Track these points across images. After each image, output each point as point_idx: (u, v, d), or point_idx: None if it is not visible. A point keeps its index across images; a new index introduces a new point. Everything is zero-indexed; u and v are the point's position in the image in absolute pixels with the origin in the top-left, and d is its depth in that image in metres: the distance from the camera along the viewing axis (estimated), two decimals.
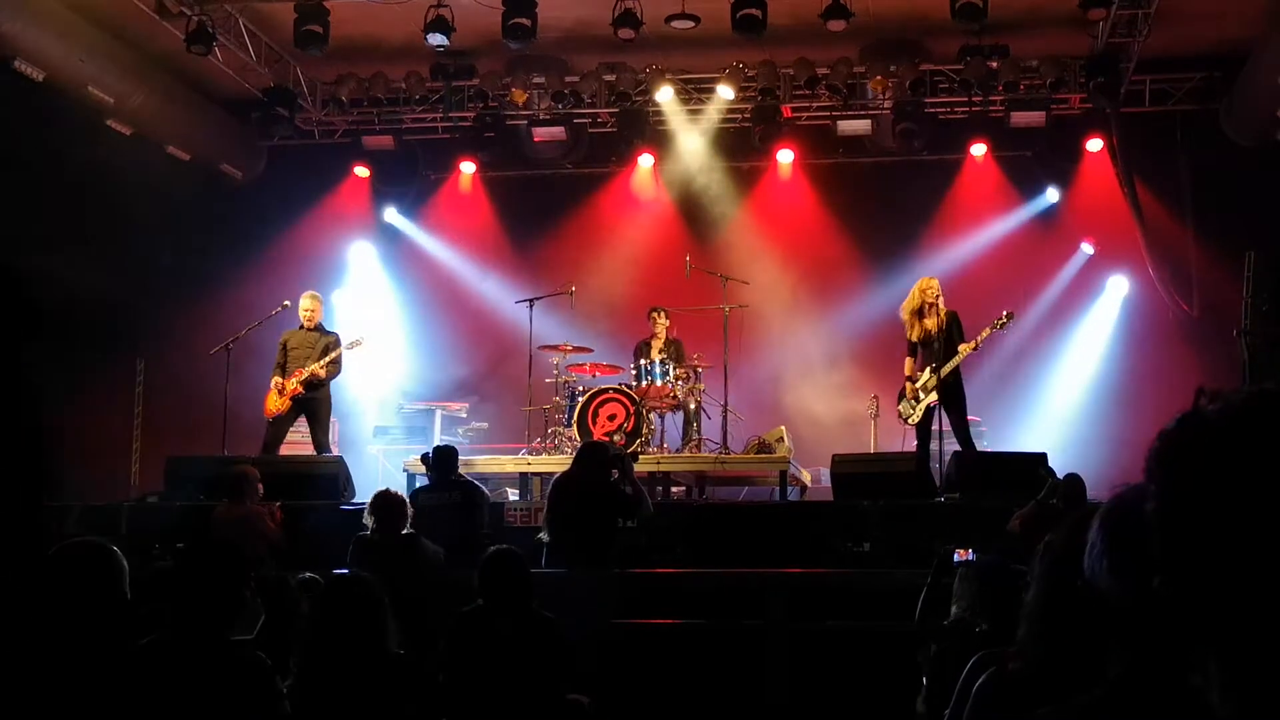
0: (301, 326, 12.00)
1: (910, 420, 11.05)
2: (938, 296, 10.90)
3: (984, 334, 10.81)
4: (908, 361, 11.12)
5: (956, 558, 5.27)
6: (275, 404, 11.71)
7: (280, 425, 11.82)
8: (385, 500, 8.07)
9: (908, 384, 11.05)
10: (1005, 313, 10.99)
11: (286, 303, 12.11)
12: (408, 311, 16.17)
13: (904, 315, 11.05)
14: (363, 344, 12.16)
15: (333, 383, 12.22)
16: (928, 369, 10.87)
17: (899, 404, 11.21)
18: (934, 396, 10.78)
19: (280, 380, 11.69)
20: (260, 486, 9.08)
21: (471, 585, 5.70)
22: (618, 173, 15.84)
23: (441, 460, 9.35)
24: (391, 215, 16.27)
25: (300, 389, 11.64)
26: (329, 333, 12.15)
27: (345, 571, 4.49)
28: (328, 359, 11.72)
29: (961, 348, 10.79)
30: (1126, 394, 13.73)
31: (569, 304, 13.40)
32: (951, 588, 5.23)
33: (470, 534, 8.66)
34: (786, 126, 14.70)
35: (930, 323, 10.83)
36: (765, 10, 12.14)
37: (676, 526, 9.65)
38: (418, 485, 10.15)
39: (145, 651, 3.87)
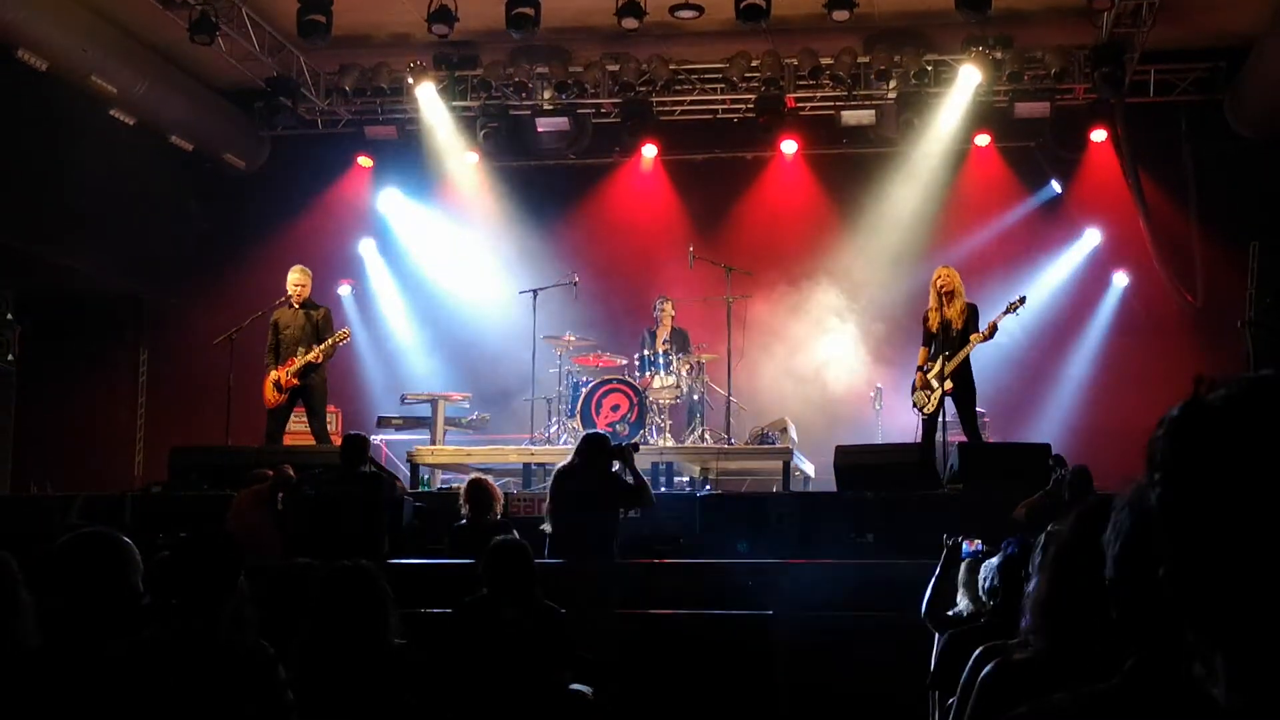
0: (290, 305, 11.88)
1: (925, 410, 11.02)
2: (952, 286, 10.88)
3: (998, 318, 10.81)
4: (921, 351, 11.13)
5: (966, 549, 5.26)
6: (273, 396, 11.70)
7: (279, 415, 11.80)
8: (478, 488, 8.56)
9: (919, 373, 11.06)
10: (1019, 297, 11.00)
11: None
12: (410, 301, 16.17)
13: (930, 304, 11.08)
14: (349, 336, 12.14)
15: (333, 373, 12.19)
16: (940, 358, 10.85)
17: (913, 394, 11.21)
18: (949, 384, 10.77)
19: (277, 372, 11.65)
20: (270, 472, 9.16)
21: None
22: (621, 163, 15.82)
23: (348, 449, 8.99)
24: (394, 205, 16.25)
25: (295, 380, 11.61)
26: (318, 307, 12.08)
27: (347, 562, 4.48)
28: (323, 346, 11.67)
29: (972, 337, 10.79)
30: (1130, 385, 13.70)
31: (572, 294, 13.40)
32: (959, 579, 5.22)
33: (371, 530, 8.55)
34: (790, 117, 14.68)
35: (949, 312, 10.83)
36: None
37: (679, 517, 9.65)
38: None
39: (147, 642, 3.86)
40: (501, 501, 8.80)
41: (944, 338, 10.84)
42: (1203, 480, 1.10)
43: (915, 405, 11.22)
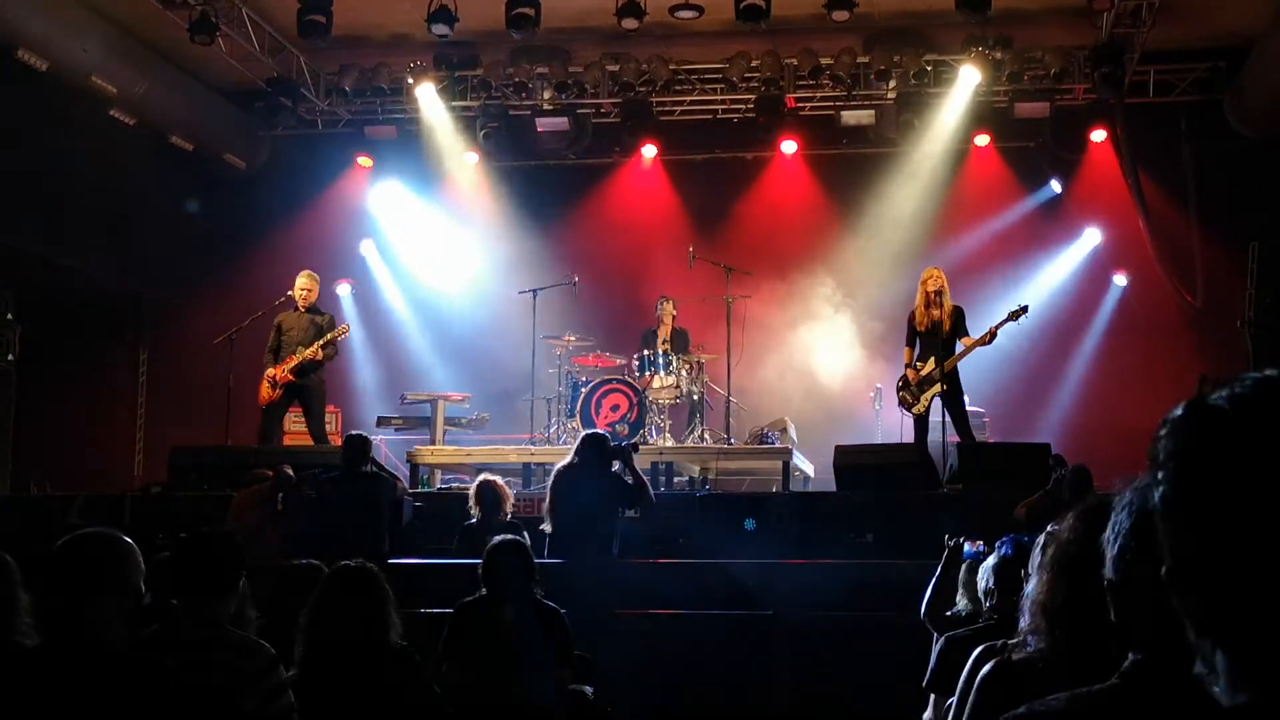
0: (296, 308, 11.89)
1: (915, 410, 11.04)
2: (944, 287, 10.91)
3: (998, 325, 10.80)
4: (906, 351, 11.16)
5: (968, 549, 5.26)
6: (267, 391, 11.68)
7: (273, 413, 11.78)
8: (487, 488, 8.59)
9: (909, 372, 11.06)
10: (1020, 305, 10.99)
11: (290, 293, 12.08)
12: (410, 301, 16.16)
13: (916, 303, 11.09)
14: (348, 332, 12.13)
15: (332, 373, 12.17)
16: (931, 359, 10.85)
17: (899, 393, 11.22)
18: (939, 387, 10.76)
19: (273, 369, 11.65)
20: (268, 472, 9.17)
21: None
22: (621, 163, 15.82)
23: (349, 449, 9.00)
24: (394, 205, 16.24)
25: (291, 376, 11.60)
26: (323, 313, 12.09)
27: (349, 562, 4.47)
28: (324, 341, 11.65)
29: (965, 340, 10.81)
30: (1130, 385, 13.71)
31: (572, 294, 13.40)
32: (959, 579, 5.22)
33: (372, 530, 8.58)
34: (790, 117, 14.67)
35: (936, 313, 10.84)
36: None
37: (679, 517, 9.65)
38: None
39: (148, 642, 3.87)
40: (511, 501, 8.83)
41: (937, 338, 10.84)
42: (1208, 478, 1.10)
43: (901, 405, 11.23)
